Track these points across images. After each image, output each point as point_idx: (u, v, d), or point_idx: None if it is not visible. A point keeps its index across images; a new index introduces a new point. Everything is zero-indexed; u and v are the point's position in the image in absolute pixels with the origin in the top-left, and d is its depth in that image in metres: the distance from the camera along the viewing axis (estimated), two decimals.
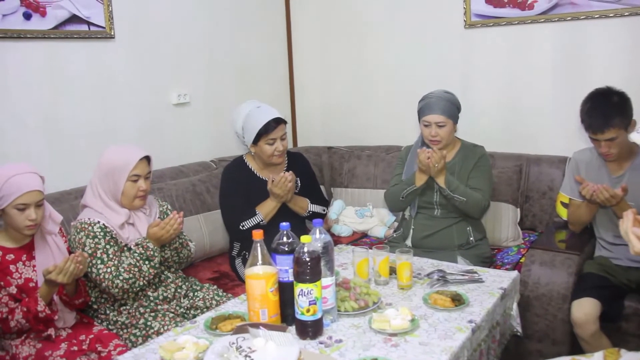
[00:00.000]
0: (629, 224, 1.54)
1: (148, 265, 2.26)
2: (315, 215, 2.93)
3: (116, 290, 2.21)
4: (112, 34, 2.96)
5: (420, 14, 3.63)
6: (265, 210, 2.80)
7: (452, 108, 2.71)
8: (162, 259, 2.37)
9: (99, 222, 2.26)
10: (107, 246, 2.24)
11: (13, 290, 2.05)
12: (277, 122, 2.79)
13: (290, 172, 2.78)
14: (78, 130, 2.88)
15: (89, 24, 2.86)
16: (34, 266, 2.12)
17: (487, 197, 2.74)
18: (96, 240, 2.23)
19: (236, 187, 2.85)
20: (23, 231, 2.07)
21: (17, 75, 2.65)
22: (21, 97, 2.67)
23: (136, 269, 2.23)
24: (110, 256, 2.23)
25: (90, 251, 2.21)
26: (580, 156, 2.73)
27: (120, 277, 2.20)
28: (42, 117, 2.74)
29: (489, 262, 2.84)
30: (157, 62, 3.24)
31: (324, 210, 3.02)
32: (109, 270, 2.20)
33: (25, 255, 2.11)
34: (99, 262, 2.21)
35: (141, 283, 2.26)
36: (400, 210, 2.94)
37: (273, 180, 2.75)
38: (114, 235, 2.28)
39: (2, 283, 2.04)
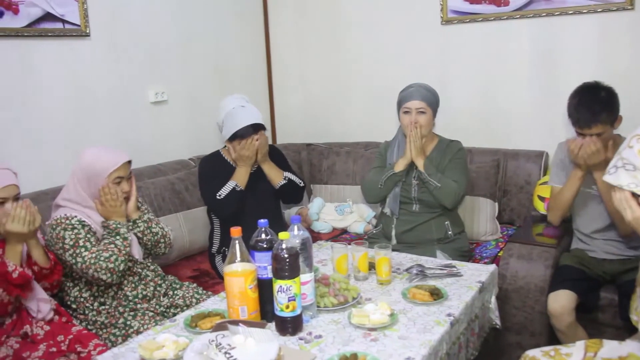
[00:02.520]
0: (628, 194, 1.59)
1: (120, 238, 2.27)
2: (292, 184, 2.95)
3: (103, 272, 2.19)
4: (88, 32, 2.93)
5: (397, 10, 3.64)
6: (237, 176, 2.82)
7: (432, 97, 2.77)
8: (140, 234, 2.43)
9: (76, 216, 2.26)
10: (88, 235, 2.24)
11: None
12: (255, 128, 2.80)
13: (256, 137, 2.81)
14: (53, 130, 2.85)
15: (64, 21, 2.83)
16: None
17: (462, 187, 2.77)
18: (76, 231, 2.22)
19: (213, 172, 2.88)
20: (3, 227, 2.04)
21: None
22: None
23: (112, 245, 2.24)
24: (93, 243, 2.24)
25: (71, 242, 2.20)
26: (566, 146, 2.74)
27: (102, 258, 2.19)
28: (16, 116, 2.70)
29: (468, 256, 2.87)
30: (134, 60, 3.21)
31: (302, 183, 3.03)
32: (93, 255, 2.20)
33: (1, 250, 2.09)
34: (83, 250, 2.20)
35: (122, 258, 2.24)
36: (377, 199, 2.93)
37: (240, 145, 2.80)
38: (92, 229, 2.28)
39: None
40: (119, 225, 2.31)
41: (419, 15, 3.57)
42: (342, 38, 3.90)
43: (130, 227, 2.41)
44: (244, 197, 2.80)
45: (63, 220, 2.24)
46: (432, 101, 2.78)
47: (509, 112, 3.41)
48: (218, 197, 2.78)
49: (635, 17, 3.00)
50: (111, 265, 2.21)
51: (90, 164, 2.31)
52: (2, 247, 2.09)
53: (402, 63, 3.68)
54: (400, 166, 2.77)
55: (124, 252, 2.26)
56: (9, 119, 2.68)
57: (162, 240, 2.53)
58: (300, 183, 3.02)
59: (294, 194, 3.00)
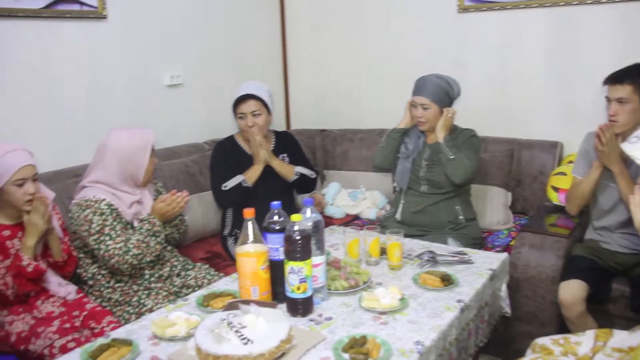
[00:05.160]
0: (639, 198, 1.58)
1: (155, 241, 2.31)
2: (304, 178, 2.97)
3: (125, 266, 2.25)
4: (105, 14, 2.95)
5: None
6: (249, 172, 2.84)
7: (439, 93, 2.77)
8: (167, 236, 2.47)
9: (104, 199, 2.28)
10: (115, 222, 2.27)
11: (8, 263, 2.07)
12: (246, 97, 2.84)
13: (254, 131, 2.85)
14: (71, 111, 2.87)
15: (81, 3, 2.83)
16: None
17: (474, 166, 2.77)
18: (103, 217, 2.25)
19: (225, 159, 2.90)
20: (23, 207, 2.08)
21: (9, 54, 2.63)
22: (14, 76, 2.65)
23: (144, 245, 2.28)
24: (118, 232, 2.27)
25: (97, 228, 2.23)
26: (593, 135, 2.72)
27: (130, 253, 2.24)
28: (35, 96, 2.72)
29: (480, 244, 2.87)
30: (150, 43, 3.22)
31: (313, 175, 3.05)
32: (118, 246, 2.23)
33: (20, 232, 2.12)
34: (107, 238, 2.23)
35: (148, 259, 2.31)
36: (382, 161, 3.01)
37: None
38: (119, 213, 2.31)
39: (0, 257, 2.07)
40: (161, 230, 2.35)
41: (437, 3, 3.55)
42: (359, 24, 3.88)
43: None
44: (249, 193, 2.81)
45: (92, 203, 2.26)
46: (439, 97, 2.77)
47: (524, 101, 3.38)
48: (223, 188, 2.80)
49: None
50: (135, 262, 2.26)
51: (127, 144, 2.33)
52: (15, 236, 2.12)
53: (418, 50, 3.66)
54: (401, 125, 2.91)
55: (153, 254, 2.32)
56: (28, 98, 2.70)
57: (181, 236, 2.63)
58: (312, 175, 3.03)
59: (307, 186, 3.02)
